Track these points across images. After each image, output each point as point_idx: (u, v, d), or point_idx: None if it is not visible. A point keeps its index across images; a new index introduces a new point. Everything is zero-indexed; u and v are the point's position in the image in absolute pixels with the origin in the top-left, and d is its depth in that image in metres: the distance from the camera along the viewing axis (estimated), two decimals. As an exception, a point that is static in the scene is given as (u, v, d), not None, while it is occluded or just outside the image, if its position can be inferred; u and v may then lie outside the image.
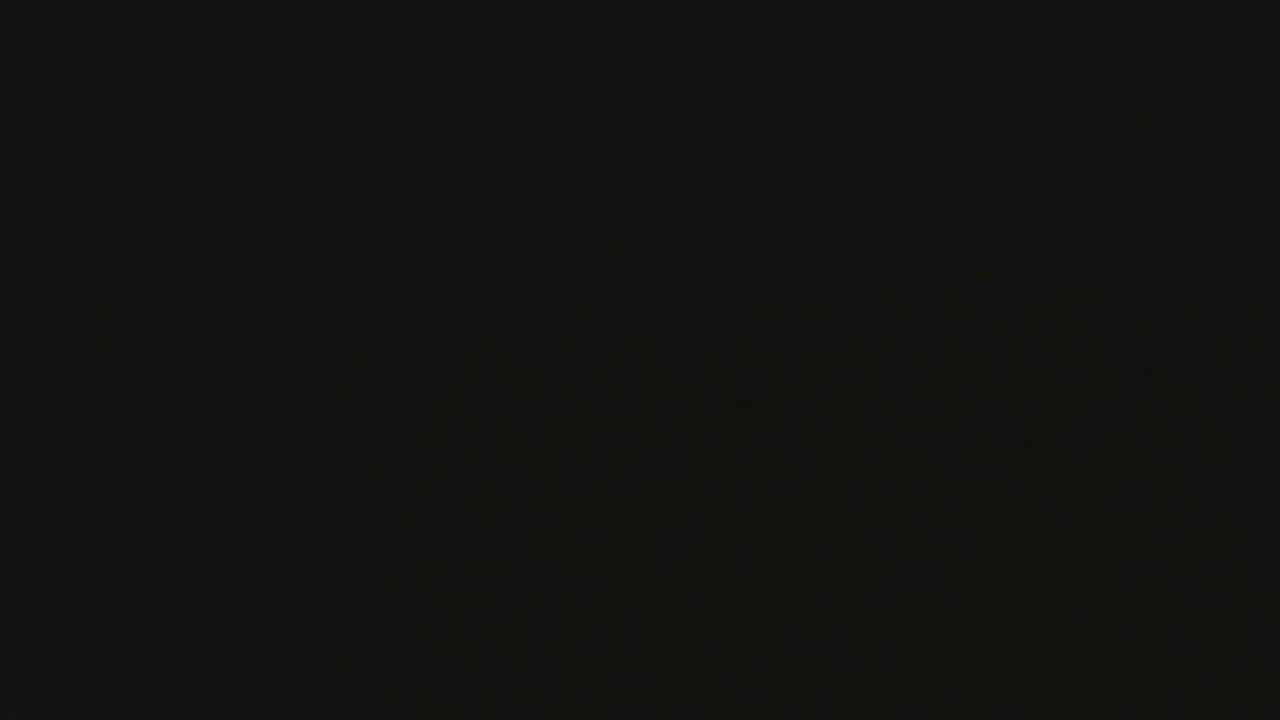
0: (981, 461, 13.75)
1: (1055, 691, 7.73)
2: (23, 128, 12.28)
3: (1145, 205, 14.15)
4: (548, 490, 12.85)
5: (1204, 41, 13.35)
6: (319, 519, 11.98)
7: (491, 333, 12.38)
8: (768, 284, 14.88)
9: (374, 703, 7.61)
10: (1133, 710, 7.61)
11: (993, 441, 14.13)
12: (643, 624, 8.97)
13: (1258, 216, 13.63)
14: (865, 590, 9.08)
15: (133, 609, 10.16)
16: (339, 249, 13.71)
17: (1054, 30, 13.74)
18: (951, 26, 13.82)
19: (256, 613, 8.55)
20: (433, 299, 13.73)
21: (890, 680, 7.85)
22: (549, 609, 9.01)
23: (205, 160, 12.86)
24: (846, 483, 13.38)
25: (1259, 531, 11.18)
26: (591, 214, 14.09)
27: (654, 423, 12.98)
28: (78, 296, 12.78)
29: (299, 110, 12.94)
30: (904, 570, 8.95)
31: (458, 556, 11.48)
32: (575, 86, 13.64)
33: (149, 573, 10.80)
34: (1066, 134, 14.11)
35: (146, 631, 9.78)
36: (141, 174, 12.68)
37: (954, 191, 14.47)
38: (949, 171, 14.40)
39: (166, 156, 12.76)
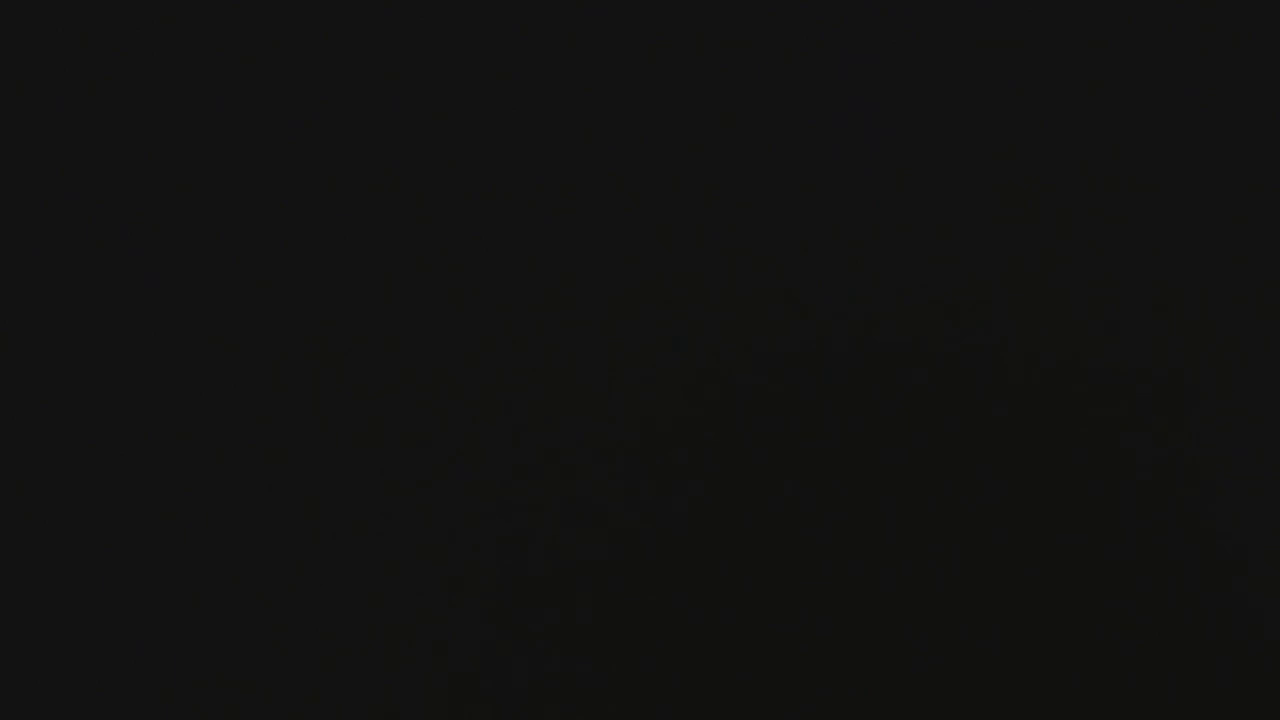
0: (979, 462, 13.75)
1: (1054, 690, 7.74)
2: (21, 127, 12.29)
3: (1138, 206, 14.13)
4: (549, 495, 12.85)
5: (1191, 43, 13.34)
6: (318, 520, 11.98)
7: (492, 333, 12.37)
8: (763, 289, 14.88)
9: (374, 704, 7.62)
10: (1128, 710, 7.63)
11: (988, 442, 14.13)
12: (642, 629, 8.97)
13: (1253, 215, 13.62)
14: (866, 592, 9.08)
15: (128, 609, 10.17)
16: (345, 250, 13.70)
17: (1048, 33, 13.73)
18: (944, 31, 13.81)
19: (256, 613, 8.56)
20: (429, 302, 13.73)
21: (890, 681, 7.86)
22: (550, 612, 9.01)
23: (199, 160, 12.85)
24: (842, 483, 13.37)
25: (1255, 529, 11.18)
26: (590, 219, 14.08)
27: (651, 427, 12.96)
28: (76, 296, 12.77)
29: (294, 110, 12.93)
30: (903, 569, 8.96)
31: (461, 559, 11.48)
32: (577, 91, 13.63)
33: (144, 572, 10.80)
34: (1061, 137, 14.10)
35: (142, 631, 9.80)
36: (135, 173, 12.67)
37: (945, 193, 14.46)
38: (940, 173, 14.39)
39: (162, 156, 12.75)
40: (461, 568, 11.28)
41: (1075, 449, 13.75)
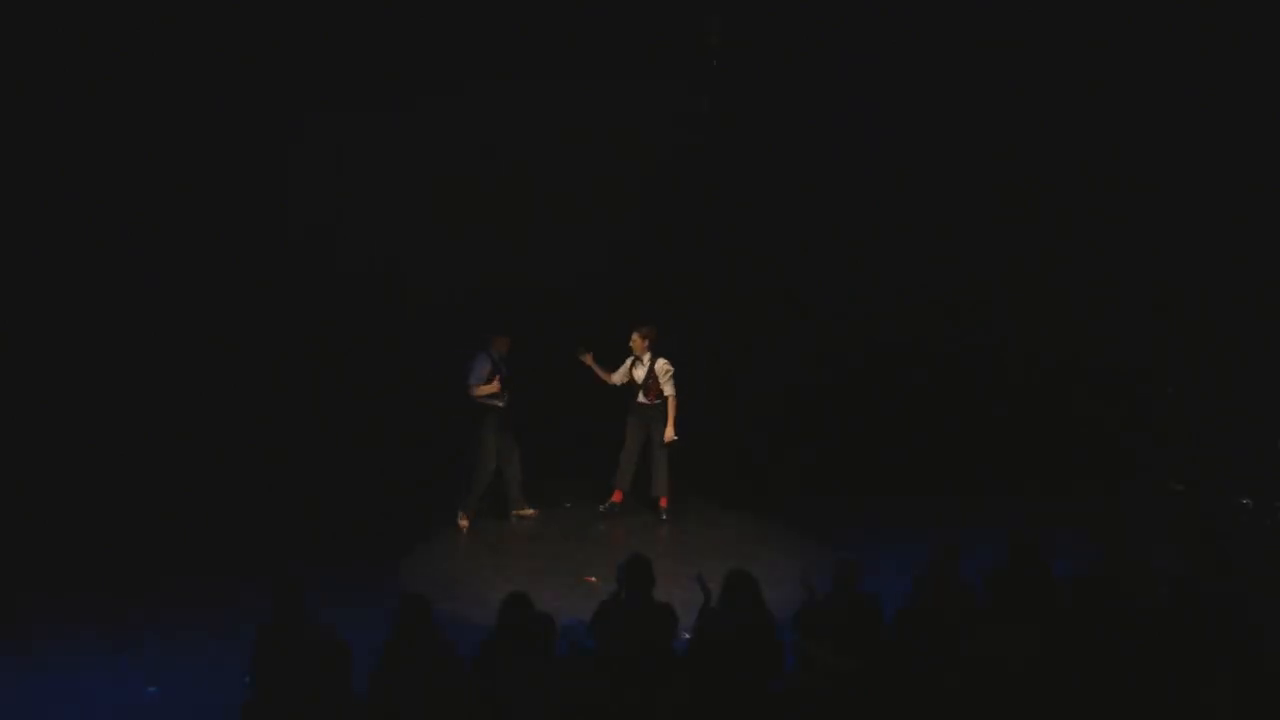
0: (978, 461, 13.75)
1: (1054, 690, 7.77)
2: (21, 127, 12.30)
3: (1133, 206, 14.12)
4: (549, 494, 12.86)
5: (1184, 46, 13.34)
6: (319, 520, 11.99)
7: (493, 333, 12.36)
8: (763, 289, 14.89)
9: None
10: (1129, 709, 7.65)
11: (988, 442, 14.13)
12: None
13: (1253, 215, 13.60)
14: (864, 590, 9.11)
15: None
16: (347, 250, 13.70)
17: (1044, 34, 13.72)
18: (944, 31, 13.81)
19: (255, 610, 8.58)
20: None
21: (891, 679, 7.90)
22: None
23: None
24: (842, 483, 13.38)
25: (1255, 529, 11.18)
26: (591, 219, 14.05)
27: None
28: (75, 296, 12.77)
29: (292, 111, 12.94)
30: (902, 569, 8.98)
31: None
32: (578, 91, 13.62)
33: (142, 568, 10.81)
34: (1061, 137, 14.09)
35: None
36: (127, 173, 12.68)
37: (945, 193, 14.45)
38: (939, 173, 14.38)
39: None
40: (462, 568, 11.28)
41: (1075, 449, 13.75)
